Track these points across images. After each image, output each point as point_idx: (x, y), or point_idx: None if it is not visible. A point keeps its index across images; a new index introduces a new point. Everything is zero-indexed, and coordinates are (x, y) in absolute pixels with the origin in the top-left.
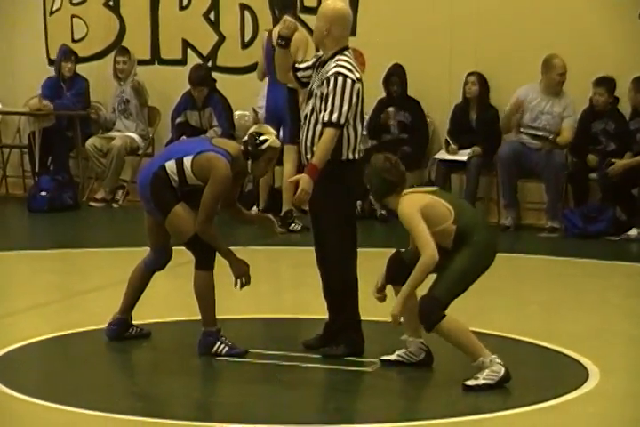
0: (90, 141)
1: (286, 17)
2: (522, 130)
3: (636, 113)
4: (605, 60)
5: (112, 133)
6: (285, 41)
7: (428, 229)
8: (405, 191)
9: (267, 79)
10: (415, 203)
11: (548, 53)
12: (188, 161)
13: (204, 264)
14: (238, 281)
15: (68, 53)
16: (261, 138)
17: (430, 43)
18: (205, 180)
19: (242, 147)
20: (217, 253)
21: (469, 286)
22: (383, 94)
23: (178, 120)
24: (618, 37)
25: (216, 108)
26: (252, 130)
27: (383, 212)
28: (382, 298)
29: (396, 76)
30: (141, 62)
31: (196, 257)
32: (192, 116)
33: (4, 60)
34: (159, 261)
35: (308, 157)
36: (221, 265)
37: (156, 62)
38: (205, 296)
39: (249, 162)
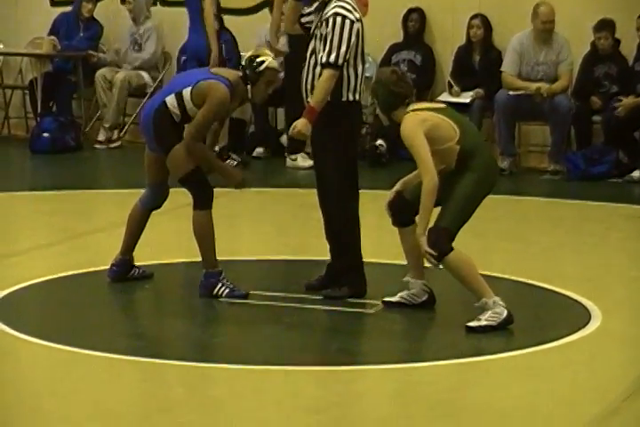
0: (100, 72)
1: None
2: (511, 93)
3: None
4: (603, 2)
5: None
6: None
7: (431, 147)
8: (413, 106)
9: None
10: (419, 123)
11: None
12: (187, 92)
13: (202, 203)
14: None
15: None
16: (258, 60)
17: None
18: None
19: (240, 73)
20: (214, 192)
21: (474, 210)
22: (388, 39)
23: None
24: None
25: (226, 45)
26: (249, 54)
27: (383, 144)
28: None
29: (416, 13)
30: None
31: (194, 196)
32: None
33: (7, 1)
34: (156, 199)
35: (309, 99)
36: (221, 206)
37: (158, 4)
38: (205, 236)
39: (249, 87)
